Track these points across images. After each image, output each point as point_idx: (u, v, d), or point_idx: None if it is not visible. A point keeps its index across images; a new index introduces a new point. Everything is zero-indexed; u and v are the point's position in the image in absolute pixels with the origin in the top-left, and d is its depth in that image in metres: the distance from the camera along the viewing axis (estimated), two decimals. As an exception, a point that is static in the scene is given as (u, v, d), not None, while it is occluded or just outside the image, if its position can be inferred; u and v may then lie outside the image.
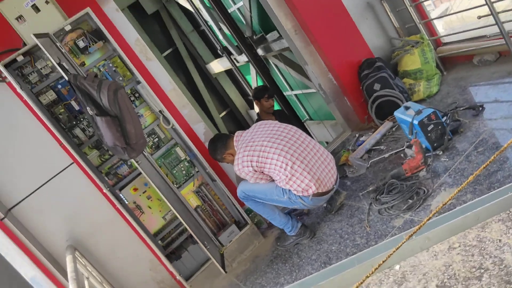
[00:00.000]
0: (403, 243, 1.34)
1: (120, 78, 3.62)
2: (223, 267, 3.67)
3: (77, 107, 3.51)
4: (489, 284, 2.10)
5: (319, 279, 1.68)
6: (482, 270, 2.21)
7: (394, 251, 1.28)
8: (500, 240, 2.30)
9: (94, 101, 3.02)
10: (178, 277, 3.70)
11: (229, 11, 6.74)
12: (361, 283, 1.41)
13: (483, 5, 3.70)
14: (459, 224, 2.09)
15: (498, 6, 3.70)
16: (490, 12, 3.68)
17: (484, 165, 1.61)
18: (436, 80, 4.32)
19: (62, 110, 3.50)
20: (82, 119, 3.55)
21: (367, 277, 1.31)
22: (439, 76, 4.38)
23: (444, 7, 9.21)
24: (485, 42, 4.08)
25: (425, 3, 4.72)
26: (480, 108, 3.52)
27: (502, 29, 3.71)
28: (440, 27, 5.06)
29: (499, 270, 2.15)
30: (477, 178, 2.83)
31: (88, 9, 3.41)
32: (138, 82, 3.63)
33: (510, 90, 3.69)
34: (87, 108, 2.99)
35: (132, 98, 3.68)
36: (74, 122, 3.54)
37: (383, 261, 1.28)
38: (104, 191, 3.45)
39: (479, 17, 3.84)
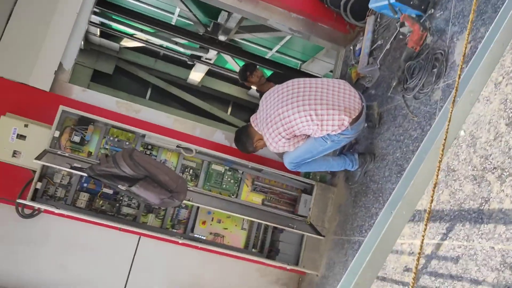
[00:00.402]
0: (451, 112, 1.30)
1: (127, 143, 3.67)
2: (319, 233, 3.71)
3: (110, 192, 3.60)
4: (552, 92, 2.04)
5: (401, 191, 1.68)
6: (537, 84, 2.14)
7: (448, 125, 1.25)
8: (535, 48, 2.22)
9: (120, 177, 3.08)
10: (288, 267, 3.77)
11: (173, 23, 6.71)
12: (439, 169, 1.39)
13: None
14: (490, 59, 2.03)
15: None
16: None
17: (476, -5, 1.54)
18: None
19: (101, 201, 3.59)
20: (121, 198, 3.64)
21: (440, 161, 1.29)
22: None
23: None
24: None
25: None
26: None
27: None
28: None
29: (552, 74, 2.08)
30: (479, 10, 2.73)
31: (61, 107, 3.47)
32: (143, 136, 3.68)
33: None
34: (119, 186, 3.05)
35: (148, 152, 3.73)
36: (118, 204, 3.63)
37: (445, 139, 1.26)
38: (180, 242, 3.54)
39: None
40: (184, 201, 3.38)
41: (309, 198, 3.90)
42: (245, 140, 3.51)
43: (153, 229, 3.63)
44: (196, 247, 3.69)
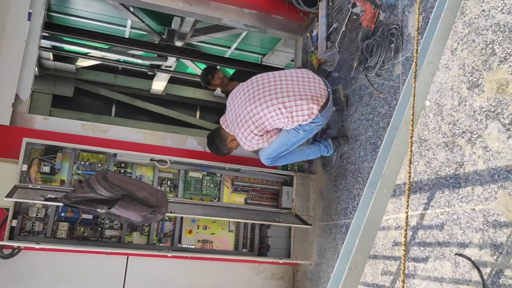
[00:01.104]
0: (414, 87, 1.32)
1: (99, 165, 3.60)
2: (305, 223, 3.73)
3: (90, 216, 3.52)
4: (505, 39, 2.09)
5: (379, 170, 1.70)
6: (491, 45, 2.20)
7: (413, 100, 1.26)
8: (483, 10, 2.27)
9: (98, 201, 3.00)
10: (280, 261, 3.78)
11: (126, 36, 6.59)
12: (411, 144, 1.41)
13: None
14: (443, 28, 2.07)
15: None
16: None
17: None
18: None
19: (82, 228, 3.51)
20: (102, 221, 3.56)
21: (411, 136, 1.30)
22: None
23: None
24: None
25: None
26: None
27: None
28: None
29: (503, 28, 2.14)
30: (425, -20, 2.78)
31: (25, 139, 3.36)
32: (115, 155, 3.61)
33: None
34: (98, 210, 2.98)
35: (122, 170, 3.66)
36: (100, 228, 3.55)
37: (412, 114, 1.27)
38: (169, 255, 3.49)
39: None
40: (167, 214, 3.33)
41: (291, 190, 3.92)
42: (218, 143, 3.49)
43: (140, 247, 3.58)
44: (187, 257, 3.66)
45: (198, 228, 3.78)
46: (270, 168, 3.84)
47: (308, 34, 4.45)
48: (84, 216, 3.50)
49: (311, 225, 3.78)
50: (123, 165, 3.68)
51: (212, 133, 3.61)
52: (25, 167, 3.36)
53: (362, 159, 3.26)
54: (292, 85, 3.23)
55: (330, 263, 3.55)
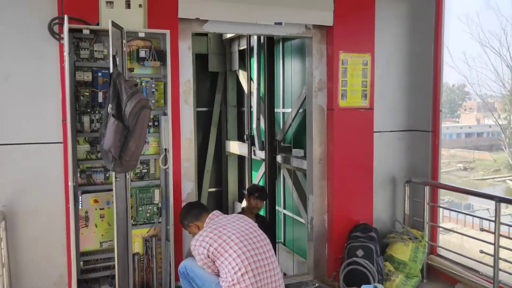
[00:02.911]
0: None
1: (153, 101, 3.66)
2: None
3: (100, 100, 3.51)
4: None
5: None
6: None
7: None
8: None
9: (118, 104, 3.02)
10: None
11: (275, 110, 6.98)
12: None
13: (491, 243, 3.74)
14: None
15: (503, 252, 3.74)
16: (493, 253, 3.71)
17: None
18: (414, 282, 4.25)
19: (87, 93, 3.49)
20: (97, 112, 3.53)
21: None
22: (419, 279, 4.32)
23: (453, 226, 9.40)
24: (475, 277, 4.06)
25: (440, 210, 4.83)
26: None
27: (496, 275, 3.71)
28: (442, 239, 5.12)
29: None
30: None
31: (167, 32, 3.57)
32: (165, 114, 3.67)
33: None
34: (109, 105, 2.99)
35: (150, 123, 3.68)
36: (89, 110, 3.51)
37: None
38: (69, 183, 3.30)
39: (481, 252, 3.86)
40: (113, 174, 3.20)
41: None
42: (192, 213, 3.41)
43: (74, 153, 3.42)
44: (67, 202, 3.41)
45: (101, 209, 3.57)
46: (176, 275, 3.58)
47: (316, 284, 4.36)
48: (100, 94, 3.47)
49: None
50: (156, 123, 3.71)
51: (200, 204, 3.63)
52: (141, 35, 3.54)
53: None
54: (265, 278, 3.11)
55: None
